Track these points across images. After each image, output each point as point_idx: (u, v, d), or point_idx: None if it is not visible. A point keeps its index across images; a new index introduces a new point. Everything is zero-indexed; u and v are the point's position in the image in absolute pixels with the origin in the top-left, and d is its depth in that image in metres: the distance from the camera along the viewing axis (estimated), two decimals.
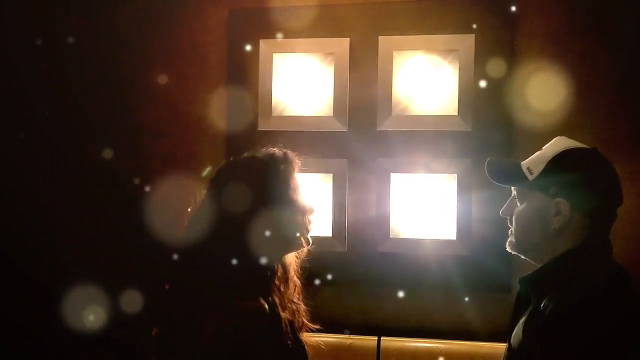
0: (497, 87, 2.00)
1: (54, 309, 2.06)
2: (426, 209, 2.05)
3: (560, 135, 1.26)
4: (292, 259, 1.35)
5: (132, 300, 2.17)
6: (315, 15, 2.10)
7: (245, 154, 1.32)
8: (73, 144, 2.25)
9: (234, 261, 1.16)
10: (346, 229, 2.07)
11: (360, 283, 2.07)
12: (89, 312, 2.04)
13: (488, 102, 2.01)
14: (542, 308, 1.09)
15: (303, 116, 2.12)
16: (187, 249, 1.22)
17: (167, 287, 1.23)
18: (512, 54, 2.02)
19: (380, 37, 2.07)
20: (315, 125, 2.10)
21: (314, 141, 2.09)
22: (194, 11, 2.20)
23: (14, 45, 2.30)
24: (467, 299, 2.00)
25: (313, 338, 1.43)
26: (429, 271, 2.01)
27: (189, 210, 1.27)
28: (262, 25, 2.13)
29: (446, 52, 2.05)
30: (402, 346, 1.94)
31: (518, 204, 1.24)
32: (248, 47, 2.14)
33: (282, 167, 1.27)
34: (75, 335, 2.04)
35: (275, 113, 2.13)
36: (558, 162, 1.18)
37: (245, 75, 2.14)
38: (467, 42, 2.02)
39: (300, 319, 1.37)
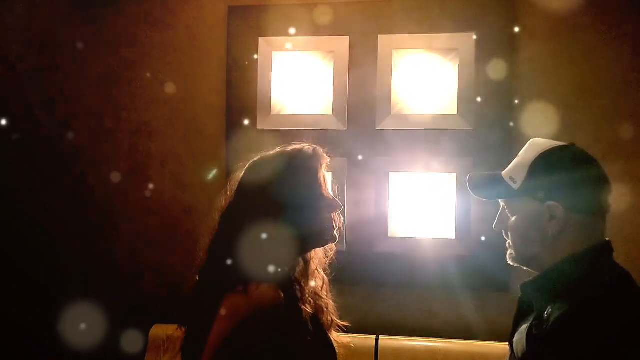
0: (497, 86, 1.99)
1: (54, 309, 2.07)
2: (425, 208, 2.05)
3: (534, 138, 1.20)
4: (317, 254, 1.35)
5: (132, 300, 2.18)
6: (314, 14, 2.09)
7: (275, 150, 1.32)
8: (73, 144, 2.25)
9: (260, 253, 1.16)
10: (345, 227, 2.07)
11: (358, 282, 2.07)
12: (89, 312, 2.04)
13: (488, 101, 2.01)
14: (545, 316, 1.06)
15: (302, 115, 2.11)
16: (218, 240, 1.23)
17: (197, 278, 1.23)
18: (512, 53, 2.01)
19: (380, 36, 2.06)
20: (314, 124, 2.10)
21: (313, 140, 2.07)
22: (192, 9, 2.19)
23: (14, 45, 2.29)
24: (465, 298, 2.00)
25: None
26: (428, 270, 2.01)
27: (222, 201, 1.28)
28: (262, 23, 2.12)
29: (446, 51, 2.04)
30: (400, 345, 1.95)
31: (510, 216, 1.19)
32: (247, 46, 2.13)
33: (311, 162, 1.28)
34: (75, 335, 2.05)
35: (274, 112, 2.12)
36: (540, 165, 1.13)
37: (244, 74, 2.14)
38: (467, 41, 2.01)
39: (329, 317, 1.34)
